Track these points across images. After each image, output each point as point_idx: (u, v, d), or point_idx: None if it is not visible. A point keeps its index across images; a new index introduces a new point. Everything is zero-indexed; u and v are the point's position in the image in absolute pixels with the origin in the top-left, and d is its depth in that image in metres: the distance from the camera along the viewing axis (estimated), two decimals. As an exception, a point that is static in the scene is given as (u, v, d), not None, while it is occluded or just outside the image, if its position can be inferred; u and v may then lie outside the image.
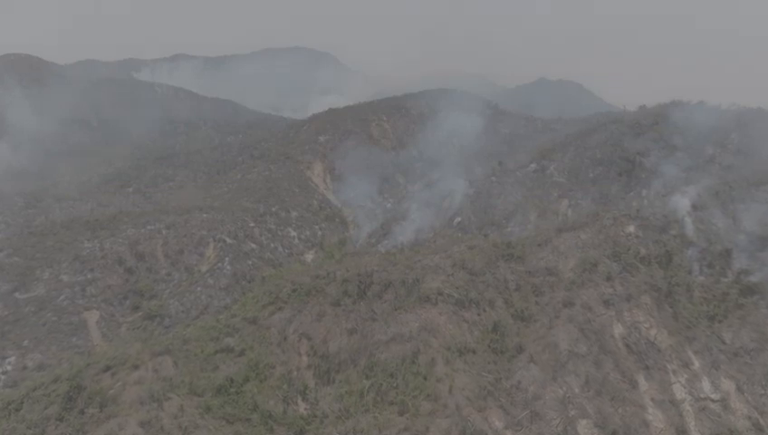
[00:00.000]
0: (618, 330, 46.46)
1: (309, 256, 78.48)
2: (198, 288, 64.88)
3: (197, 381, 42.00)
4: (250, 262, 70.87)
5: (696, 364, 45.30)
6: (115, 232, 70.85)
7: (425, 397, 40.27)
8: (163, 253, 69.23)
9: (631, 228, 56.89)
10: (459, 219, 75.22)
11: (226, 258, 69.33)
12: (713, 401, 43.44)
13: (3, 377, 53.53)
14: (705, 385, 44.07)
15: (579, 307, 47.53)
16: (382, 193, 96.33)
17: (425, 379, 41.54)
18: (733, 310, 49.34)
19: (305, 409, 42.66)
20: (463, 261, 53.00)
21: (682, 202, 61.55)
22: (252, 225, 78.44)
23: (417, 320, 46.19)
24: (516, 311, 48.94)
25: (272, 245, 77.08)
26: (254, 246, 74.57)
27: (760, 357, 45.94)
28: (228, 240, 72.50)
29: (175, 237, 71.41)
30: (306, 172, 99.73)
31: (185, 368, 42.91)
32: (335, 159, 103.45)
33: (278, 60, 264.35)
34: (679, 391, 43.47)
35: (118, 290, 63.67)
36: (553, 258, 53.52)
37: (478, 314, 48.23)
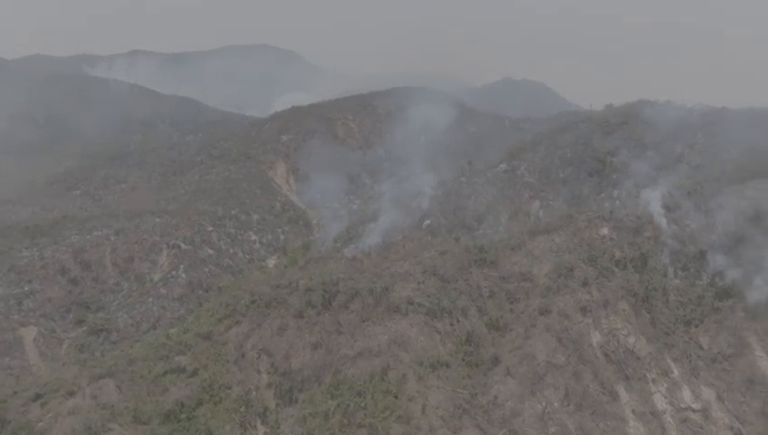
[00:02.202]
0: (596, 338, 44.42)
1: (271, 262, 74.41)
2: (150, 299, 60.08)
3: (143, 406, 37.82)
4: (207, 269, 66.38)
5: (676, 372, 43.66)
6: (57, 239, 65.25)
7: (396, 418, 37.18)
8: (111, 261, 64.09)
9: (605, 230, 55.20)
10: (429, 222, 72.38)
11: (181, 266, 64.66)
12: (694, 411, 41.83)
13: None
14: (686, 394, 42.43)
15: (555, 315, 45.31)
16: (348, 194, 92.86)
17: (396, 397, 38.46)
18: (709, 314, 48.09)
19: (265, 433, 39.04)
20: (434, 267, 50.20)
21: (654, 203, 60.35)
22: (209, 229, 73.85)
23: (387, 332, 43.06)
24: (491, 320, 46.38)
25: (231, 250, 72.69)
26: (211, 251, 70.06)
27: (738, 363, 44.65)
28: (183, 246, 67.80)
29: (124, 244, 66.32)
30: (268, 173, 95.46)
31: (129, 392, 38.68)
32: (299, 159, 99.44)
33: (242, 57, 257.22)
34: (660, 402, 41.68)
35: (59, 303, 58.32)
36: (528, 263, 51.25)
37: (451, 325, 45.46)
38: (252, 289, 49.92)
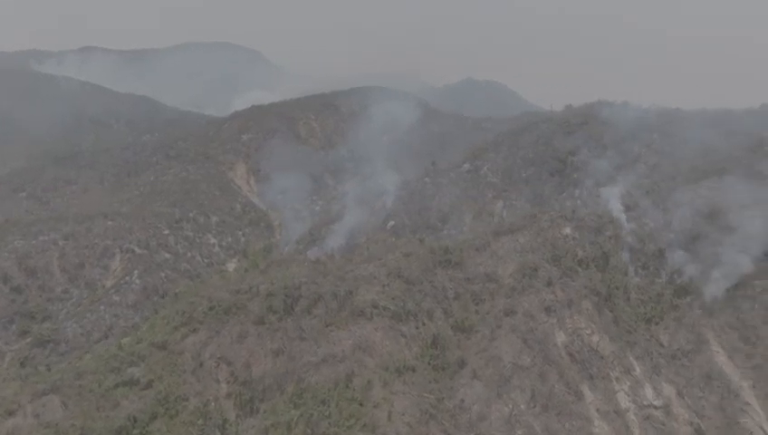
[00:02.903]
0: (560, 338, 44.42)
1: (231, 265, 72.22)
2: (102, 307, 57.14)
3: (92, 424, 35.58)
4: (163, 274, 63.73)
5: (638, 370, 44.07)
6: (0, 244, 61.42)
7: (361, 427, 36.08)
8: (59, 267, 60.78)
9: (568, 230, 55.53)
10: (393, 222, 71.61)
11: (135, 271, 61.86)
12: (655, 407, 42.26)
13: None
14: (648, 392, 42.85)
15: (520, 315, 45.12)
16: (311, 195, 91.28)
17: (361, 405, 37.36)
18: (668, 311, 48.84)
19: (224, 446, 37.29)
20: (398, 269, 49.32)
21: (615, 202, 61.20)
22: (166, 232, 71.09)
23: (351, 337, 41.91)
24: (456, 322, 45.82)
25: (189, 254, 70.14)
26: (168, 255, 67.37)
27: (696, 359, 45.43)
28: (138, 250, 64.94)
29: (74, 249, 63.01)
30: (228, 173, 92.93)
31: (76, 409, 36.29)
32: (260, 160, 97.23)
33: (201, 55, 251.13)
34: (623, 400, 41.94)
35: (1, 313, 54.80)
36: (492, 263, 51.00)
37: (416, 328, 44.66)
38: (210, 295, 47.95)
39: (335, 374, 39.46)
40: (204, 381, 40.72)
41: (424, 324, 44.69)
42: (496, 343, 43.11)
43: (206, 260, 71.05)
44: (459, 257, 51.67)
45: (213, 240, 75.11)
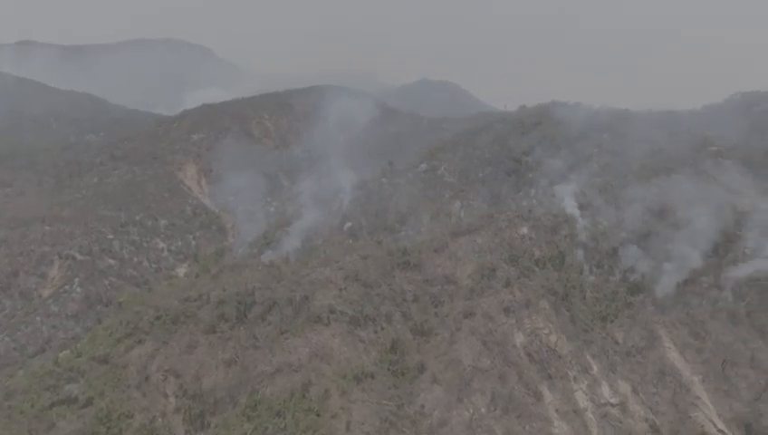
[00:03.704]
0: (519, 339, 44.27)
1: (181, 270, 69.14)
2: (38, 318, 53.31)
3: (24, 447, 32.71)
4: (107, 281, 60.20)
5: (595, 368, 44.39)
6: (-77, 253, 56.65)
7: (318, 438, 34.69)
8: (-9, 276, 56.47)
9: (525, 230, 55.74)
10: (350, 224, 70.24)
11: (76, 279, 58.15)
12: (612, 405, 42.64)
13: None
14: (605, 390, 43.20)
15: (480, 317, 44.73)
16: (265, 196, 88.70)
17: (318, 416, 35.94)
18: (622, 309, 49.50)
19: (173, 464, 35.14)
20: (356, 272, 48.12)
21: (569, 201, 61.89)
22: (110, 237, 67.37)
23: (307, 345, 40.41)
24: (415, 325, 45.01)
25: (135, 259, 66.66)
26: (112, 262, 63.77)
27: (650, 355, 46.18)
28: (79, 256, 61.15)
29: (7, 256, 58.78)
30: (177, 174, 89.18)
31: (6, 432, 33.25)
32: (211, 160, 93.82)
33: (149, 52, 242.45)
34: (581, 399, 42.10)
35: (-76, 327, 50.43)
36: (451, 265, 50.49)
37: (375, 332, 43.58)
38: (157, 303, 45.41)
39: (291, 384, 37.90)
40: (150, 396, 38.34)
41: (382, 329, 43.66)
42: (456, 346, 42.53)
43: (154, 266, 67.74)
44: (418, 259, 50.94)
45: (161, 244, 71.77)
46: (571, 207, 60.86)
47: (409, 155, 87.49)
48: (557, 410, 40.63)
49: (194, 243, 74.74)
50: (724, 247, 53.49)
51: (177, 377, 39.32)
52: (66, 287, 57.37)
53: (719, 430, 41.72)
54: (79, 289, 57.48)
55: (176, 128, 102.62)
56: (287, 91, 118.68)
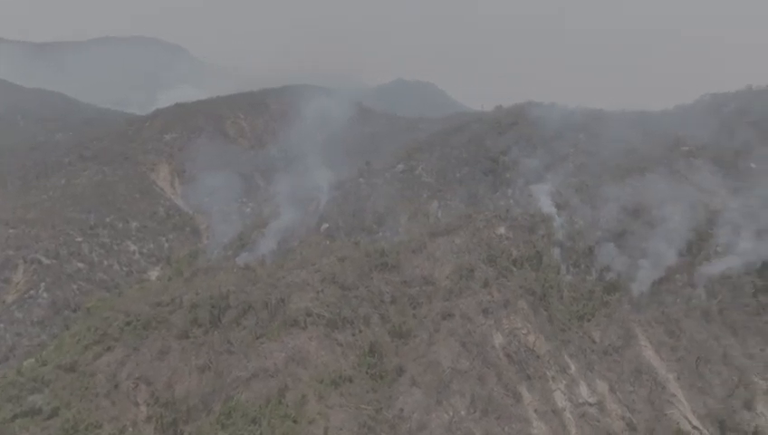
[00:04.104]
0: (498, 340, 44.10)
1: (154, 274, 67.50)
2: (1, 325, 51.28)
3: (-16, 463, 31.21)
4: (75, 286, 58.36)
5: (573, 368, 44.48)
6: None
7: (295, 446, 33.90)
8: (-50, 282, 54.14)
9: (502, 230, 55.69)
10: (327, 225, 69.32)
11: (42, 284, 56.20)
12: (590, 404, 42.76)
13: None
14: (583, 389, 43.31)
15: (458, 318, 44.42)
16: (241, 197, 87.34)
17: (295, 422, 35.14)
18: (599, 308, 49.74)
19: (144, 476, 33.96)
20: (333, 274, 47.38)
21: (546, 201, 62.09)
22: (79, 239, 65.36)
23: (284, 349, 39.54)
24: (394, 327, 44.47)
25: (105, 263, 64.80)
26: (81, 265, 61.84)
27: (626, 354, 46.49)
28: (45, 260, 59.09)
29: (-32, 261, 56.42)
30: (149, 175, 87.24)
31: (-35, 447, 31.73)
32: (185, 160, 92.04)
33: (121, 50, 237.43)
34: (560, 399, 42.13)
35: None
36: (429, 266, 50.11)
37: (353, 335, 42.91)
38: (127, 308, 43.97)
39: (267, 390, 36.99)
40: (120, 405, 37.04)
41: (360, 331, 43.03)
42: (435, 348, 42.14)
43: (125, 269, 65.96)
44: (395, 260, 50.43)
45: (133, 247, 69.96)
46: (547, 206, 61.07)
47: (386, 155, 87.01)
48: (536, 411, 40.55)
49: (167, 245, 73.11)
50: (698, 246, 54.29)
51: (148, 384, 38.06)
52: (31, 292, 55.40)
53: (694, 427, 42.20)
54: (45, 294, 55.54)
55: (148, 127, 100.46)
56: (263, 90, 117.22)
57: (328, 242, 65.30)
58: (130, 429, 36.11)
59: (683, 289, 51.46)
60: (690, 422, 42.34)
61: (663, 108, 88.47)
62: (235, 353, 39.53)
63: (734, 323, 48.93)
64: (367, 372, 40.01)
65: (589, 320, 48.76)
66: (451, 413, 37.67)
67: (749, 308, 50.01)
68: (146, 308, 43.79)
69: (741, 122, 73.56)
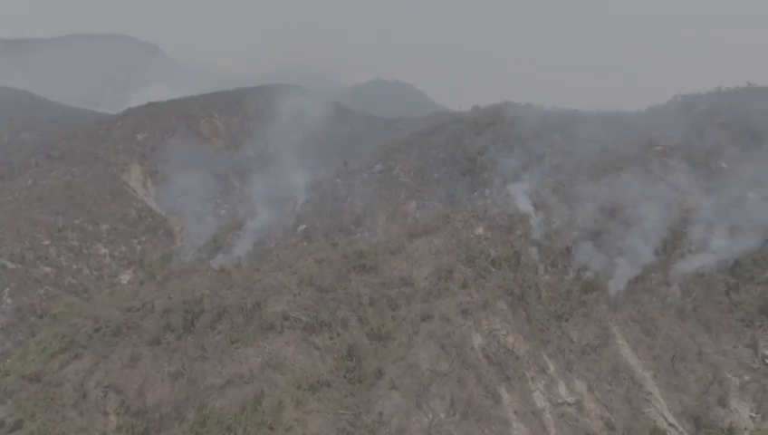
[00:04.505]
0: (477, 341, 43.83)
1: (125, 277, 65.71)
2: (-37, 333, 49.27)
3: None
4: (42, 291, 56.43)
5: (552, 368, 44.45)
6: None
7: (272, 453, 33.04)
8: None
9: (481, 230, 55.51)
10: (304, 226, 68.49)
11: (6, 289, 54.22)
12: (569, 404, 42.74)
13: None
14: (562, 389, 43.30)
15: (437, 320, 44.01)
16: (215, 198, 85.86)
17: (271, 429, 34.23)
18: (577, 307, 49.89)
19: (114, 488, 32.72)
20: (311, 277, 46.53)
21: (524, 201, 62.25)
22: (46, 243, 63.25)
23: (260, 354, 38.58)
24: (372, 329, 43.85)
25: (74, 266, 62.85)
26: (48, 269, 59.84)
27: (604, 353, 46.69)
28: (10, 265, 57.02)
29: (-73, 266, 53.99)
30: (121, 176, 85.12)
31: None
32: (157, 161, 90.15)
33: (92, 48, 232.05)
34: (539, 400, 42.03)
35: None
36: (408, 267, 49.62)
37: (331, 338, 42.15)
38: (96, 314, 42.43)
39: (242, 396, 36.01)
40: (88, 415, 35.64)
41: (338, 335, 42.30)
42: (414, 350, 41.66)
43: (95, 273, 64.04)
44: (374, 262, 49.82)
45: (103, 250, 68.01)
46: (525, 206, 61.22)
47: (364, 155, 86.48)
48: (515, 412, 40.37)
49: (139, 248, 71.33)
50: (672, 244, 55.00)
51: (118, 393, 36.72)
52: (-5, 298, 53.30)
53: (670, 425, 42.56)
54: (9, 300, 53.52)
55: (119, 127, 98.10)
56: (238, 89, 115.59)
57: (305, 243, 64.49)
58: (99, 439, 34.78)
59: (658, 287, 52.01)
60: (666, 420, 42.70)
61: (637, 108, 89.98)
62: (210, 359, 38.44)
63: (708, 321, 49.64)
64: (345, 377, 39.31)
65: (567, 320, 48.89)
66: (431, 416, 37.23)
67: (722, 306, 50.83)
68: (116, 313, 42.34)
69: (711, 123, 74.95)
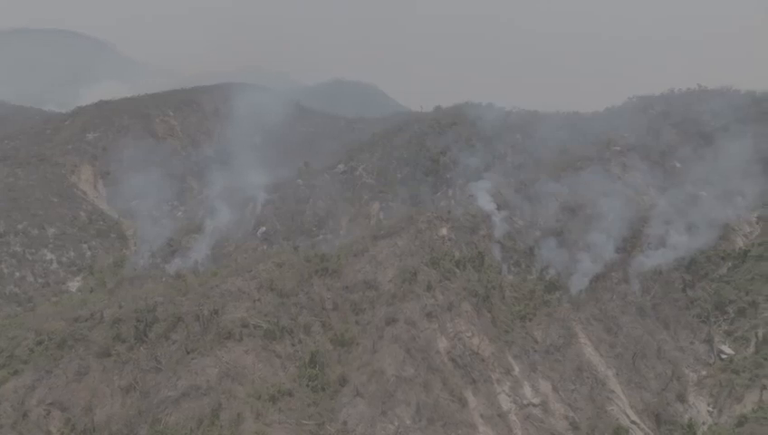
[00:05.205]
0: (442, 344, 43.25)
1: (74, 285, 62.25)
2: None
3: None
4: (-19, 301, 52.71)
5: (517, 369, 44.31)
6: None
7: (230, 469, 31.44)
8: None
9: (444, 231, 55.07)
10: (264, 229, 66.57)
11: (-59, 300, 50.33)
12: (534, 405, 42.66)
13: None
14: (527, 390, 43.19)
15: (402, 323, 43.18)
16: (171, 200, 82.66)
17: (229, 443, 32.65)
18: (540, 307, 50.00)
19: None
20: (271, 281, 44.96)
21: (486, 201, 62.16)
22: (-15, 249, 59.26)
23: (217, 364, 36.83)
24: (336, 335, 42.69)
25: (17, 274, 59.17)
26: (-13, 278, 56.02)
27: (568, 352, 46.85)
28: (-55, 274, 53.01)
29: None
30: (70, 177, 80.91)
31: None
32: (110, 161, 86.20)
33: (37, 43, 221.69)
34: (505, 402, 41.77)
35: None
36: (371, 270, 48.63)
37: (293, 345, 40.77)
38: (39, 326, 39.70)
39: (199, 410, 34.23)
40: (30, 435, 33.17)
41: (300, 341, 40.96)
42: (378, 355, 40.70)
43: (40, 280, 60.43)
44: (337, 265, 48.64)
45: (50, 256, 64.30)
46: (488, 205, 61.12)
47: (326, 155, 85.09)
48: (482, 416, 39.96)
49: (89, 253, 67.79)
50: (631, 243, 55.90)
51: (62, 410, 34.34)
52: (-72, 310, 49.45)
53: (632, 422, 42.99)
54: (-56, 312, 49.72)
55: (68, 126, 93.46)
56: (195, 88, 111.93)
57: (265, 247, 62.68)
58: (42, 461, 32.40)
59: (618, 286, 52.67)
60: (629, 418, 43.11)
61: (593, 109, 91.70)
62: (163, 371, 36.45)
63: (667, 318, 50.59)
64: (308, 385, 38.00)
65: (530, 320, 48.88)
66: (396, 424, 36.35)
67: (679, 303, 51.92)
68: (61, 325, 39.73)
69: (665, 124, 77.03)
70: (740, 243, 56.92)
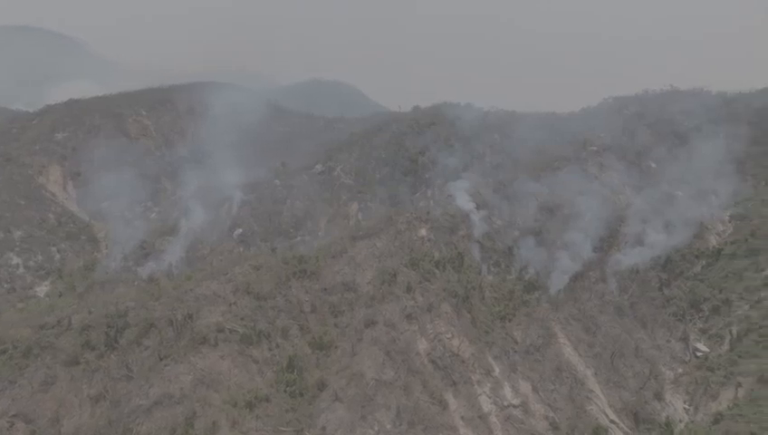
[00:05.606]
0: (422, 346, 42.79)
1: (42, 289, 60.14)
2: None
3: None
4: (-59, 308, 50.46)
5: (497, 370, 44.08)
6: None
7: (205, 480, 30.45)
8: None
9: (424, 231, 54.64)
10: (240, 230, 65.33)
11: None
12: (515, 406, 42.48)
13: None
14: (507, 391, 42.99)
15: (382, 325, 42.61)
16: (144, 201, 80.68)
17: (204, 453, 31.63)
18: (519, 307, 49.91)
19: None
20: (247, 284, 43.91)
21: (465, 201, 61.98)
22: (-53, 253, 56.83)
23: (191, 371, 35.72)
24: (314, 338, 41.89)
25: (-19, 279, 56.84)
26: (-51, 283, 53.72)
27: (547, 353, 46.85)
28: None
29: None
30: (37, 178, 78.40)
31: None
32: (80, 162, 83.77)
33: (3, 40, 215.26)
34: (485, 403, 41.49)
35: None
36: (350, 271, 47.94)
37: (270, 350, 39.83)
38: (2, 334, 38.02)
39: (172, 418, 33.12)
40: (-8, 449, 31.68)
41: (278, 346, 40.05)
42: (358, 359, 40.06)
43: (5, 285, 58.29)
44: (315, 266, 47.80)
45: (16, 260, 62.08)
46: (466, 205, 60.95)
47: (303, 155, 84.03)
48: (462, 418, 39.60)
49: (58, 256, 65.68)
50: (608, 242, 56.34)
51: (27, 422, 32.85)
52: None
53: (611, 421, 43.16)
54: None
55: (36, 125, 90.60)
56: (168, 87, 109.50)
57: (241, 249, 61.52)
58: (6, 476, 30.96)
59: (596, 285, 53.00)
60: (608, 417, 43.27)
61: (569, 109, 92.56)
62: (135, 379, 35.22)
63: (644, 317, 51.07)
64: (286, 390, 37.14)
65: (510, 320, 48.74)
66: (376, 428, 35.77)
67: (656, 302, 52.50)
68: (27, 332, 38.12)
69: (640, 124, 78.09)
70: (713, 241, 57.88)
